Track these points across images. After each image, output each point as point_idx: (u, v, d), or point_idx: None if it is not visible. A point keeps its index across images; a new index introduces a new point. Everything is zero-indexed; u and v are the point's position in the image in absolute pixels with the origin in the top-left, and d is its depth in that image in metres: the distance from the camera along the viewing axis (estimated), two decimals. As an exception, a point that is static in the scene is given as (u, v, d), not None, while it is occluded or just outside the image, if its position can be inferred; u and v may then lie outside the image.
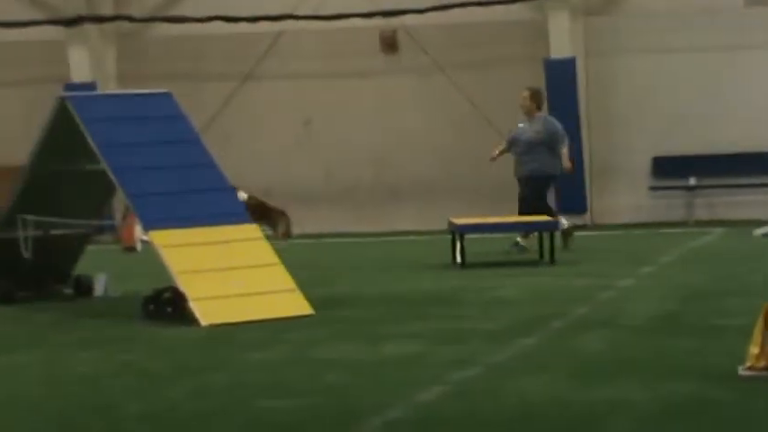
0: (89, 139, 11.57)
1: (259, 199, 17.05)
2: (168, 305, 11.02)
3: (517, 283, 12.75)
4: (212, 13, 20.22)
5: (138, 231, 17.32)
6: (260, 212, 16.35)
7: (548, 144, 15.62)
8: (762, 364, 7.62)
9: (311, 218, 20.59)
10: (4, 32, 20.81)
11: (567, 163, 15.67)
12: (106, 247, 18.54)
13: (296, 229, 19.19)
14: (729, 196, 19.97)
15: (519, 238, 15.54)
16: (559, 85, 19.78)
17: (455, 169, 20.32)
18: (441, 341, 9.49)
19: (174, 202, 11.43)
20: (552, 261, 14.43)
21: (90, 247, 13.67)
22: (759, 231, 17.05)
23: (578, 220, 19.84)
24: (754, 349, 7.64)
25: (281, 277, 11.21)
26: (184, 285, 10.85)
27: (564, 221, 15.79)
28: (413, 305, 11.55)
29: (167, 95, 12.23)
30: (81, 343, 10.13)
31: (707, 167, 20.03)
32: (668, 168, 20.20)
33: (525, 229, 15.51)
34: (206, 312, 10.69)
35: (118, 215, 16.68)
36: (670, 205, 20.13)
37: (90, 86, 19.98)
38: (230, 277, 11.03)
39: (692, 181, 20.08)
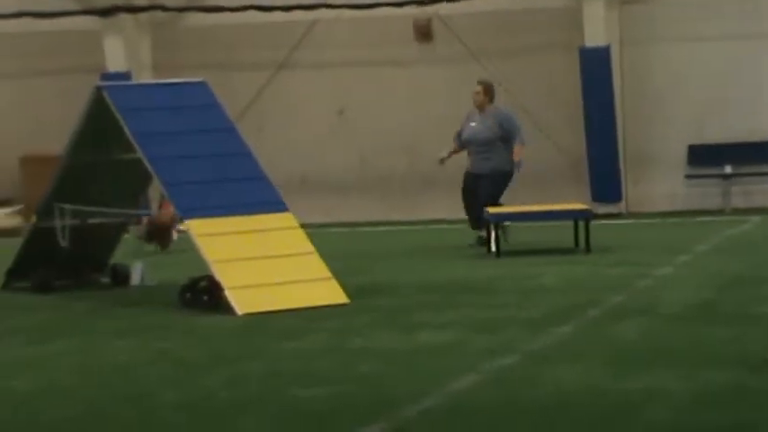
0: (125, 129, 11.62)
1: (160, 220, 15.82)
2: (204, 294, 11.06)
3: (553, 272, 12.72)
4: (246, 3, 20.26)
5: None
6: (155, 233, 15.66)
7: (502, 139, 15.01)
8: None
9: (345, 207, 20.62)
10: (40, 22, 20.92)
11: (516, 156, 14.88)
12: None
13: (330, 218, 19.19)
14: (766, 184, 19.84)
15: (481, 233, 14.87)
16: (594, 73, 19.69)
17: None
18: (476, 329, 9.48)
19: (209, 191, 11.46)
20: (588, 249, 14.38)
21: (127, 236, 13.74)
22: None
23: (613, 209, 19.79)
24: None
25: (316, 266, 11.23)
26: (220, 274, 10.89)
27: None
28: (448, 294, 11.55)
29: (202, 84, 12.27)
30: (117, 331, 10.18)
31: (743, 155, 19.90)
32: (704, 156, 20.09)
33: (559, 217, 15.43)
34: (241, 301, 10.72)
35: (154, 204, 16.72)
36: (706, 193, 20.02)
37: (125, 76, 20.07)
38: (266, 266, 11.06)
39: (728, 169, 19.96)
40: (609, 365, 7.95)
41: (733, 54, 19.81)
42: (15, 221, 20.22)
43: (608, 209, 19.58)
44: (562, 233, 15.27)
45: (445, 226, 19.01)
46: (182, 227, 13.05)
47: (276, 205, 11.62)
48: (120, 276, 13.04)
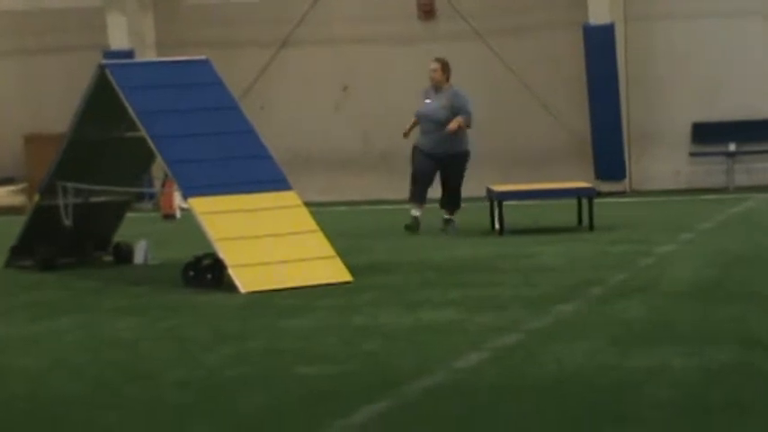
0: (128, 107, 11.60)
1: None
2: (208, 272, 11.07)
3: (556, 250, 12.72)
4: (250, -20, 20.22)
5: (178, 198, 17.38)
6: None
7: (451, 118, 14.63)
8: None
9: (349, 184, 20.61)
10: (43, 0, 20.88)
11: (452, 126, 14.49)
12: (146, 215, 18.64)
13: (333, 196, 19.16)
14: (770, 162, 19.84)
15: (447, 215, 14.77)
16: (598, 51, 19.66)
17: (492, 136, 20.25)
18: (479, 308, 9.48)
19: (213, 170, 11.45)
20: (591, 228, 14.38)
21: (130, 215, 13.74)
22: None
23: (617, 187, 19.77)
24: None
25: (320, 244, 11.23)
26: (223, 252, 10.89)
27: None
28: (451, 272, 11.55)
29: (206, 62, 12.24)
30: (121, 309, 10.19)
31: (747, 133, 19.88)
32: (708, 134, 20.06)
33: (563, 195, 15.42)
34: (245, 279, 10.73)
35: (157, 183, 16.73)
36: (710, 171, 20.01)
37: (128, 54, 20.05)
38: (269, 244, 11.06)
39: (732, 147, 19.94)
40: (612, 343, 7.95)
41: (738, 31, 19.76)
42: (19, 199, 20.25)
43: (612, 187, 19.57)
44: (566, 211, 15.27)
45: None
46: (185, 205, 13.06)
47: (280, 183, 11.62)
48: (124, 254, 13.05)
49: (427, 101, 14.98)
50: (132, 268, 12.75)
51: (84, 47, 20.38)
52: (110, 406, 7.01)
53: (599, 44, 19.68)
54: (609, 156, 19.78)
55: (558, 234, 14.22)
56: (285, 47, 21.03)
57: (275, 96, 20.94)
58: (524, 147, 20.34)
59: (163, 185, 15.96)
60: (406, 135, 15.37)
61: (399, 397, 6.90)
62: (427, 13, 20.64)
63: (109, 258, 13.11)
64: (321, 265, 11.06)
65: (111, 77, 11.73)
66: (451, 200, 15.00)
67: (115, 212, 13.27)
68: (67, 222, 12.51)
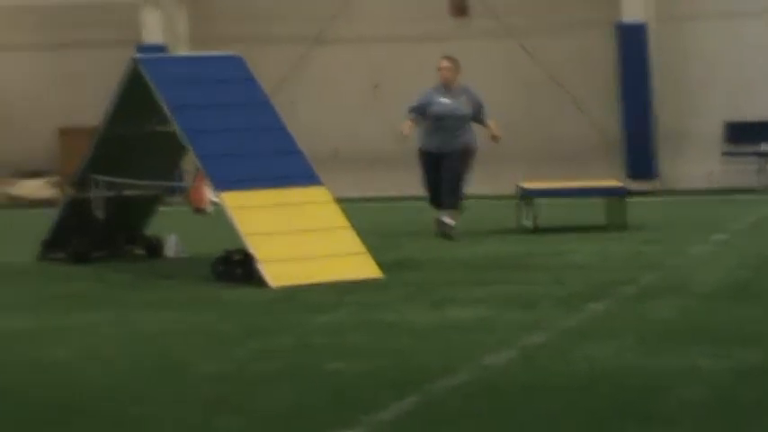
0: (160, 101, 11.65)
1: None
2: (238, 267, 11.10)
3: (586, 249, 12.68)
4: (283, -24, 20.25)
5: (209, 193, 17.42)
6: None
7: (472, 117, 14.44)
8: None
9: (379, 181, 20.60)
10: (78, -5, 20.98)
11: (498, 132, 14.45)
12: (177, 209, 18.69)
13: (363, 192, 19.15)
14: (802, 162, 19.72)
15: (444, 217, 14.26)
16: (631, 49, 19.59)
17: (523, 133, 20.20)
18: (509, 306, 9.47)
19: (244, 164, 11.49)
20: (622, 227, 14.33)
21: (161, 209, 13.80)
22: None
23: (648, 186, 19.70)
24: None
25: (350, 240, 11.24)
26: (254, 247, 10.92)
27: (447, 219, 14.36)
28: (481, 269, 11.54)
29: (238, 58, 12.28)
30: (152, 303, 10.24)
31: (780, 133, 19.77)
32: (740, 134, 19.95)
33: (594, 194, 15.36)
34: (275, 274, 10.75)
35: (189, 177, 16.78)
36: (742, 171, 19.90)
37: (162, 48, 20.11)
38: (299, 240, 11.08)
39: (765, 147, 19.83)
40: (642, 344, 7.93)
41: (770, 31, 19.64)
42: (51, 192, 20.35)
43: (643, 186, 19.49)
44: (596, 210, 15.22)
45: (479, 201, 18.96)
46: (216, 199, 13.10)
47: (310, 179, 11.64)
48: (155, 248, 13.10)
49: (443, 100, 14.56)
50: (163, 262, 12.80)
51: (118, 42, 20.45)
52: (140, 398, 7.04)
53: (631, 43, 19.61)
54: (640, 154, 19.71)
55: (589, 233, 14.18)
56: (317, 44, 21.05)
57: (307, 93, 20.96)
58: (555, 144, 20.28)
59: (194, 180, 16.00)
60: (406, 135, 14.85)
61: (428, 394, 6.90)
62: (459, 10, 20.61)
63: (140, 252, 13.17)
64: (351, 261, 11.08)
65: (143, 71, 11.78)
66: (447, 192, 14.31)
67: (146, 206, 13.33)
68: (100, 215, 12.57)
